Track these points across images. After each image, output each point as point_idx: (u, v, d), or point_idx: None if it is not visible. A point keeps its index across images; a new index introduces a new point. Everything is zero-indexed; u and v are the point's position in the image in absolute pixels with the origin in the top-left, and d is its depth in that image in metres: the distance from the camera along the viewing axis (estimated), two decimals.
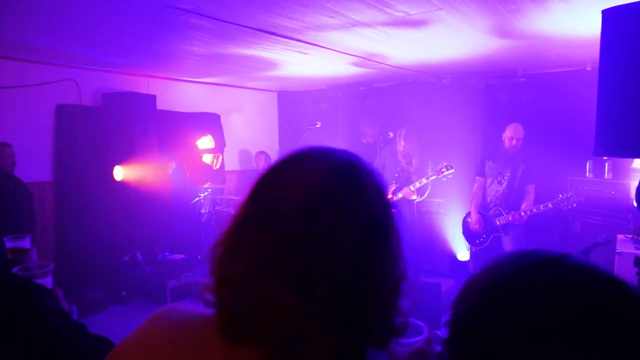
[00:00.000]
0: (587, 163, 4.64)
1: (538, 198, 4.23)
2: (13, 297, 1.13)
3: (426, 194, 4.85)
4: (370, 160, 0.93)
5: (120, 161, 4.96)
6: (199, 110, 6.18)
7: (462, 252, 5.37)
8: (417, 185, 4.67)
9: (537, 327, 0.48)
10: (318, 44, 3.91)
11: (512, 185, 4.32)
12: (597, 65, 1.82)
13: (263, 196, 0.68)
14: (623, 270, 3.07)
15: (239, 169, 7.01)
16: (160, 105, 5.45)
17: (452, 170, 4.58)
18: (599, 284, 0.51)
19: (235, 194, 6.50)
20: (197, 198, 5.65)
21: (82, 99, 5.02)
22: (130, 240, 4.95)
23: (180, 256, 5.24)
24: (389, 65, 4.95)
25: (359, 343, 0.66)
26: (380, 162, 4.97)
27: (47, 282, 1.36)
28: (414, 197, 4.73)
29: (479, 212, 4.46)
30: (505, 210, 4.30)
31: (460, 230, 4.74)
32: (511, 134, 4.26)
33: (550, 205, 4.07)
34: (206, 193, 5.64)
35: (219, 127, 6.42)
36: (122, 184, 4.97)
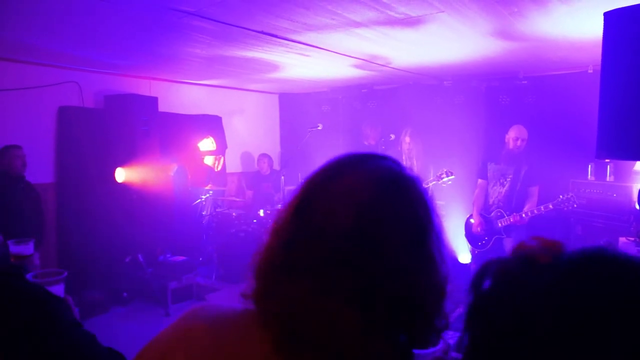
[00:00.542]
0: (589, 165, 4.63)
1: (541, 200, 4.22)
2: (29, 306, 1.10)
3: None
4: None
5: (122, 163, 4.97)
6: (201, 112, 6.19)
7: (464, 255, 5.35)
8: None
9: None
10: (319, 46, 3.91)
11: (515, 187, 4.31)
12: (599, 68, 1.82)
13: (310, 210, 0.67)
14: None
15: (240, 171, 7.01)
16: (162, 107, 5.46)
17: (452, 177, 4.59)
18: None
19: (236, 196, 6.51)
20: (199, 200, 5.66)
21: (84, 101, 5.03)
22: (132, 241, 4.94)
23: (181, 258, 5.23)
24: (390, 67, 4.94)
25: (408, 346, 0.69)
26: None
27: (60, 290, 1.33)
28: None
29: (481, 215, 4.46)
30: (507, 212, 4.29)
31: (462, 232, 4.74)
32: (516, 135, 4.25)
33: (550, 207, 4.06)
34: (207, 195, 5.65)
35: (221, 129, 6.43)
36: (123, 186, 4.98)
